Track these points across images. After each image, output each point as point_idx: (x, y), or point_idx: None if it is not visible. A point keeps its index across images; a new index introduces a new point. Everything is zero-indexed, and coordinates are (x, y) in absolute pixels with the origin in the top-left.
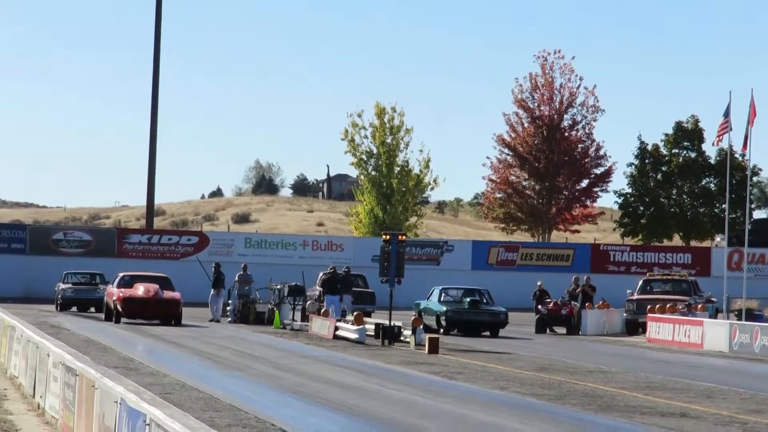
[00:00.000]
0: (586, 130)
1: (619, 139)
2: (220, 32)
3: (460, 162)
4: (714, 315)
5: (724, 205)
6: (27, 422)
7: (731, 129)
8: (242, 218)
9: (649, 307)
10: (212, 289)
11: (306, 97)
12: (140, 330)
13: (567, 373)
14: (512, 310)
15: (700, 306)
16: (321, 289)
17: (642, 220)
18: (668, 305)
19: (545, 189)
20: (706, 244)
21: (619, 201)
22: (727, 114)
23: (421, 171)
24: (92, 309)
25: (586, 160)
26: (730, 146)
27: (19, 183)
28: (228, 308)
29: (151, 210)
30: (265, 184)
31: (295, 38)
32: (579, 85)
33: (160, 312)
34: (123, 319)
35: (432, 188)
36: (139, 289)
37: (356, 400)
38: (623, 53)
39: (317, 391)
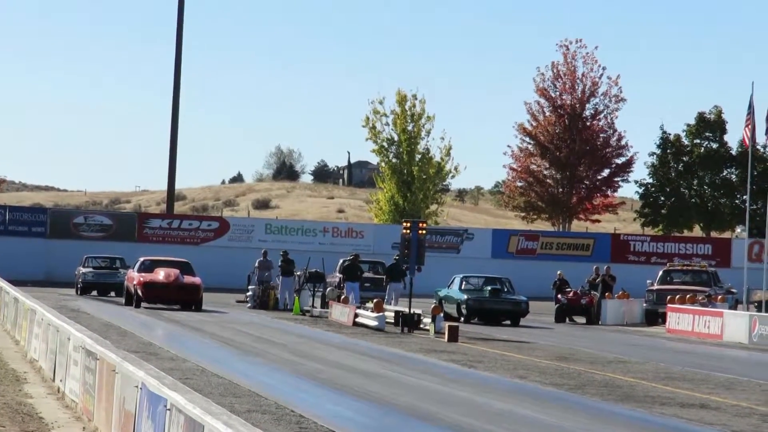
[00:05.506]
0: (608, 120)
1: (641, 129)
2: (242, 17)
3: (481, 150)
4: (734, 306)
5: (745, 196)
6: (47, 406)
7: (754, 123)
8: (263, 204)
9: (669, 297)
10: (282, 276)
11: (328, 84)
12: (160, 315)
13: (586, 362)
14: (532, 299)
15: (720, 297)
16: (341, 275)
17: (663, 211)
18: (688, 296)
19: (566, 178)
20: (727, 235)
21: (640, 191)
22: (750, 108)
23: (442, 159)
24: (112, 293)
25: (607, 150)
26: (753, 138)
27: (39, 167)
28: (248, 294)
29: (171, 195)
30: (285, 170)
31: (318, 24)
32: (601, 75)
33: (180, 297)
34: (143, 304)
35: (453, 176)
36: (160, 274)
37: (375, 387)
38: (646, 43)
39: (336, 377)
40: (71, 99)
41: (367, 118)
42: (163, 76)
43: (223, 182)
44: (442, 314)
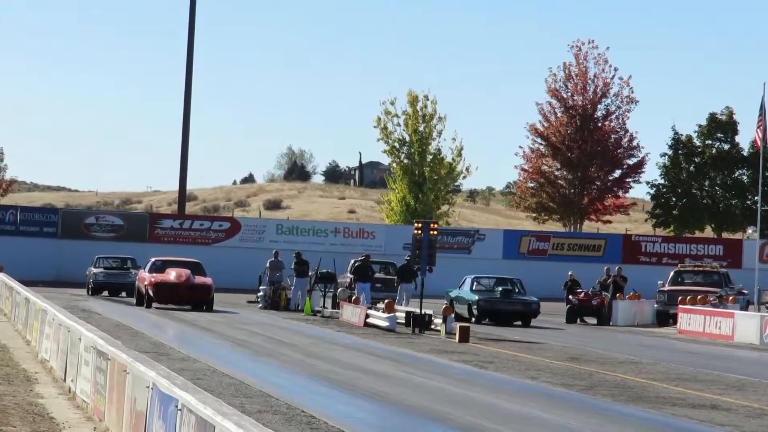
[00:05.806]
0: (620, 121)
1: (653, 129)
2: (254, 18)
3: (493, 151)
4: (745, 307)
5: (756, 197)
6: (58, 406)
7: (766, 124)
8: (274, 204)
9: (680, 298)
10: (296, 277)
11: (339, 84)
12: (171, 315)
13: (597, 363)
14: (543, 299)
15: (731, 298)
16: (352, 276)
17: (674, 211)
18: (699, 297)
19: (577, 179)
20: (738, 236)
21: (652, 192)
22: (762, 109)
23: (453, 159)
24: (123, 293)
25: (618, 151)
26: (764, 138)
27: (51, 167)
28: (259, 294)
29: (183, 195)
30: (297, 171)
31: (329, 24)
32: (613, 76)
33: (191, 297)
34: (154, 304)
35: (464, 177)
36: (171, 274)
37: (386, 387)
38: (657, 44)
39: (347, 378)
40: (82, 99)
41: (379, 119)
42: (174, 76)
43: (235, 183)
44: (453, 315)
